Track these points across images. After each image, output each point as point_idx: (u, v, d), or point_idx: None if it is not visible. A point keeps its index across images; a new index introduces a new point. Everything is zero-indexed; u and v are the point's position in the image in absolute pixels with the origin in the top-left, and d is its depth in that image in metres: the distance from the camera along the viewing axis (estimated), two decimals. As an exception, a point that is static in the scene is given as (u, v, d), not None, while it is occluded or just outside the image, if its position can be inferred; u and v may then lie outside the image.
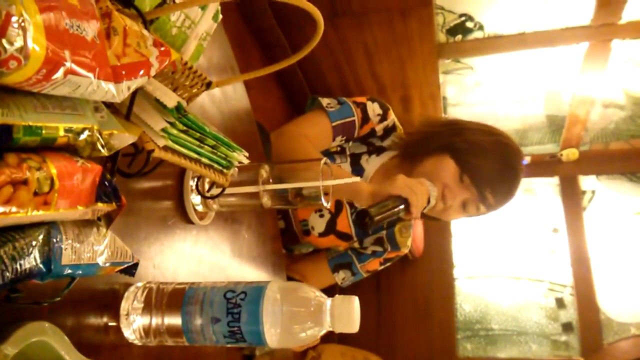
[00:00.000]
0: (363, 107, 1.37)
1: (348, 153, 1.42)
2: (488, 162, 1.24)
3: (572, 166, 3.34)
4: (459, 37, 2.82)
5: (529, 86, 3.07)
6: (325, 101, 1.37)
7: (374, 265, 1.52)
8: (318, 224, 1.42)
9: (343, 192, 1.16)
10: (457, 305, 3.24)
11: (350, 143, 1.43)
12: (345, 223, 1.44)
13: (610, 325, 3.04)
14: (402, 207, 1.05)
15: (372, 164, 1.41)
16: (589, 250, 3.17)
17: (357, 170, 1.38)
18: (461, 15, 2.72)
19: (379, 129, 1.40)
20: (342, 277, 1.51)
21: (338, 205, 1.44)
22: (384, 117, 1.39)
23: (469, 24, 2.75)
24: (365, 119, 1.37)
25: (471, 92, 3.14)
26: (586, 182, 3.38)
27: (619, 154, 3.28)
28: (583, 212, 3.29)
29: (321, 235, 1.43)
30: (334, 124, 1.34)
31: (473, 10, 2.69)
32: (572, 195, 3.34)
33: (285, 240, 1.43)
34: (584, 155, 3.32)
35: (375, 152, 1.42)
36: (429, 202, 1.12)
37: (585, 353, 3.01)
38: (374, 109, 1.38)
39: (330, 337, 1.36)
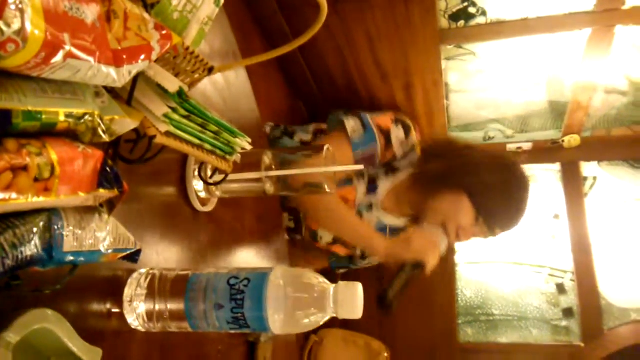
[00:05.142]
0: (387, 134, 1.37)
1: (366, 175, 1.42)
2: (504, 206, 1.30)
3: (573, 152, 3.33)
4: (462, 22, 2.80)
5: (531, 72, 3.06)
6: (350, 125, 1.35)
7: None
8: (326, 235, 1.44)
9: (359, 243, 1.28)
10: (458, 291, 3.25)
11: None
12: None
13: (611, 311, 3.05)
14: (416, 271, 1.14)
15: (386, 183, 1.42)
16: (590, 236, 3.17)
17: (372, 187, 1.40)
18: (464, 1, 2.70)
19: (400, 153, 1.39)
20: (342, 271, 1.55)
21: None
22: (405, 140, 1.39)
23: (472, 10, 2.73)
24: (388, 145, 1.37)
25: (473, 79, 3.13)
26: (588, 168, 3.37)
27: (621, 141, 3.27)
28: (584, 199, 3.29)
29: (329, 244, 1.46)
30: (354, 152, 1.34)
31: (476, -5, 2.68)
32: (573, 182, 3.33)
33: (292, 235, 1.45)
34: (585, 142, 3.30)
35: (390, 171, 1.43)
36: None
37: (586, 338, 3.02)
38: (398, 135, 1.37)
39: (332, 322, 1.37)
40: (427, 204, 1.31)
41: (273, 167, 0.86)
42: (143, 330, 0.66)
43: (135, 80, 0.54)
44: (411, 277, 1.13)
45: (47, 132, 0.43)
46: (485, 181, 1.29)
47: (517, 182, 1.32)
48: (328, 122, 1.45)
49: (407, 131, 1.38)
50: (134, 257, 0.59)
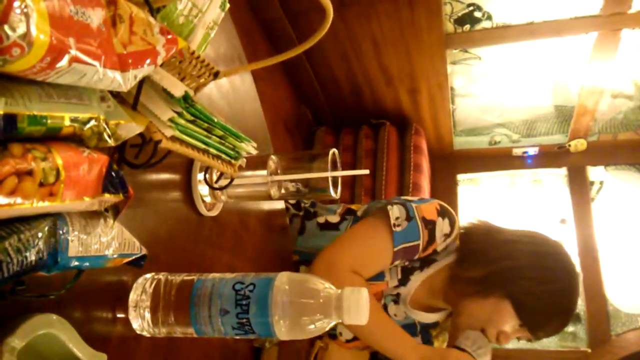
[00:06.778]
0: (432, 228, 1.22)
1: (400, 266, 1.30)
2: (550, 317, 1.20)
3: (580, 157, 3.32)
4: (467, 27, 2.80)
5: (537, 76, 3.05)
6: (394, 213, 1.20)
7: None
8: (346, 332, 1.34)
9: (388, 352, 1.18)
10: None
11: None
12: None
13: (618, 316, 3.03)
14: None
15: (419, 276, 1.31)
16: (596, 241, 3.16)
17: (404, 281, 1.29)
18: (469, 5, 2.70)
19: (441, 247, 1.27)
20: None
21: None
22: (449, 234, 1.27)
23: (477, 14, 2.73)
24: (431, 240, 1.23)
25: (479, 83, 3.12)
26: (594, 172, 3.36)
27: (628, 145, 3.26)
28: (591, 203, 3.27)
29: (348, 341, 1.36)
30: (396, 248, 1.19)
31: (481, 0, 2.67)
32: (580, 186, 3.32)
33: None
34: (592, 146, 3.30)
35: (426, 264, 1.31)
36: None
37: (593, 344, 3.00)
38: (442, 228, 1.24)
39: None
40: (464, 305, 1.23)
41: (278, 171, 0.86)
42: (148, 335, 0.65)
43: (140, 84, 0.54)
44: None
45: (53, 137, 0.43)
46: (531, 291, 1.19)
47: (567, 292, 1.22)
48: (367, 208, 1.34)
49: (452, 224, 1.26)
50: (139, 262, 0.58)
